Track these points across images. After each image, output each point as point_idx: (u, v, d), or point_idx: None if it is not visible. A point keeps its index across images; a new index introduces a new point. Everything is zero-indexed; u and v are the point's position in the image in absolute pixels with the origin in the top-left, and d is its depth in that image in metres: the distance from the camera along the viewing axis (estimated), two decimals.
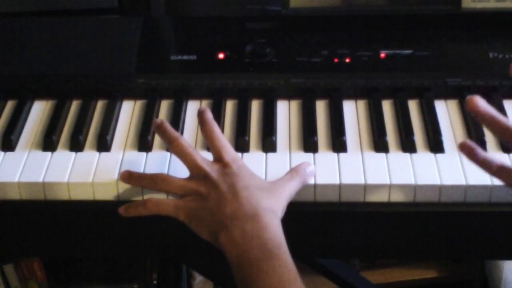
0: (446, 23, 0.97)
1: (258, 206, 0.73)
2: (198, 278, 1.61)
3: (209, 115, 0.82)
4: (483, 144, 0.83)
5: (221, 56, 0.93)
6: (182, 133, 0.88)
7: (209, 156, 0.80)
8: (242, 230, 0.71)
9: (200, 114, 0.82)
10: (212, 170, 0.77)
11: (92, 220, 0.83)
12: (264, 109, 0.90)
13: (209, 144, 0.80)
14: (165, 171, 0.81)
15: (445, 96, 0.91)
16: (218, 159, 0.78)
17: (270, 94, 0.92)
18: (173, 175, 0.79)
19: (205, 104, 0.92)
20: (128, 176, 0.80)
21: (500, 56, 0.91)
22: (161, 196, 0.79)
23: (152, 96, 0.92)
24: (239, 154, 0.83)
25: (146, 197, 0.80)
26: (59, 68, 0.94)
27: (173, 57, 0.94)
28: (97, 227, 0.84)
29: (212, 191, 0.75)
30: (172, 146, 0.79)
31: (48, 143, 0.86)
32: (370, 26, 0.97)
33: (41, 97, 0.94)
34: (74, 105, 0.93)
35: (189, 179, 0.78)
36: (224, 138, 0.80)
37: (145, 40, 0.96)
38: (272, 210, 0.74)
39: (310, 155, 0.84)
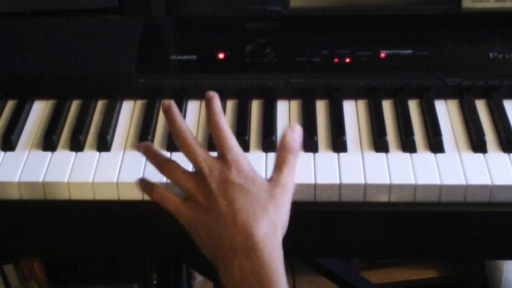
0: (446, 23, 0.97)
1: (257, 234, 0.69)
2: (198, 278, 1.61)
3: (217, 104, 0.78)
4: (483, 144, 0.84)
5: (221, 56, 0.93)
6: None
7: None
8: (240, 267, 0.69)
9: (208, 102, 0.78)
10: (211, 176, 0.73)
11: (92, 220, 0.83)
12: (264, 109, 0.90)
13: (213, 137, 0.77)
14: None
15: (445, 96, 0.91)
16: (221, 155, 0.76)
17: (270, 94, 0.92)
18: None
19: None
20: (146, 149, 0.79)
21: (500, 56, 0.91)
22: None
23: (152, 96, 0.92)
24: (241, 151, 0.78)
25: (146, 196, 0.80)
26: (59, 68, 0.94)
27: (173, 57, 0.94)
28: (97, 227, 0.84)
29: (211, 206, 0.72)
30: (177, 137, 0.76)
31: (48, 143, 0.86)
32: (370, 26, 0.97)
33: (41, 97, 0.94)
34: (74, 105, 0.93)
35: (192, 177, 0.75)
36: (229, 131, 0.76)
37: (145, 40, 0.96)
38: (272, 230, 0.71)
39: (310, 154, 0.84)
